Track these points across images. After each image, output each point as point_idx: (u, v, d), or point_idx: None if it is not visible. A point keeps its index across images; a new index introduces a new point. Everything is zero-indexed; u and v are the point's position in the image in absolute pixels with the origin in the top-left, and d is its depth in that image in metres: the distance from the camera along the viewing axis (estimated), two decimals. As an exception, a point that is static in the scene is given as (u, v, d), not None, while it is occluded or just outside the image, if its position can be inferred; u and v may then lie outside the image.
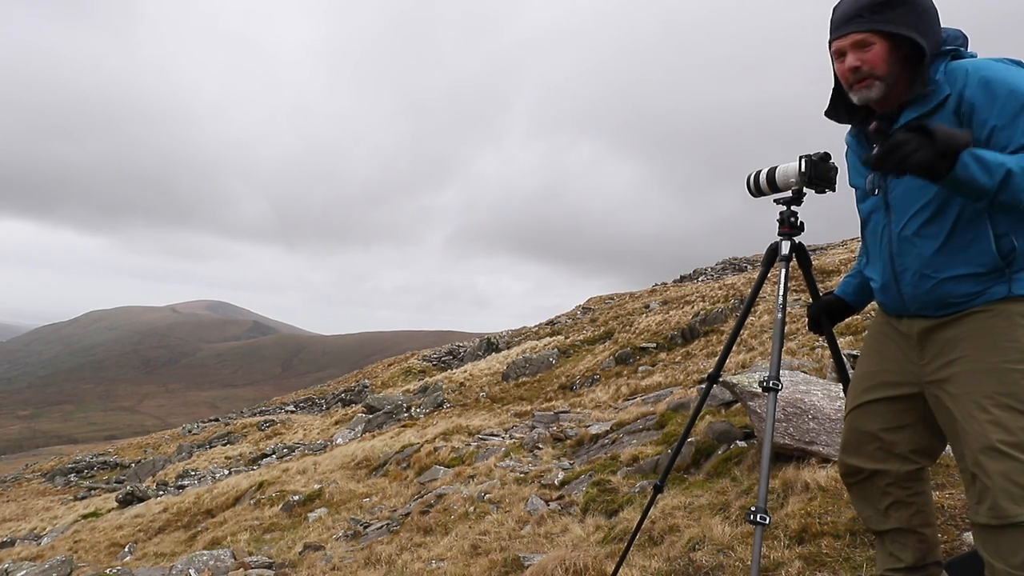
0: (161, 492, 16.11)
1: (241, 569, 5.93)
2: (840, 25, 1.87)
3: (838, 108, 2.04)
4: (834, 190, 2.27)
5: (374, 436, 15.53)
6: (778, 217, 2.32)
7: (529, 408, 14.73)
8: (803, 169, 2.23)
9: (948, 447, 1.98)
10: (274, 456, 19.53)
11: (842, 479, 2.19)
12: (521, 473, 7.02)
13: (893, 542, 2.06)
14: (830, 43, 1.92)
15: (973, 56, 1.87)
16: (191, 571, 6.04)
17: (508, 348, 32.18)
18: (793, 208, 2.31)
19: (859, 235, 2.15)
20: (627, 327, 25.15)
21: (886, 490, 2.04)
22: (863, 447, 2.06)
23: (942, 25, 1.87)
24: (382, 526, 6.57)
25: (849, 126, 2.09)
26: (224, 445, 27.02)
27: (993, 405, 1.72)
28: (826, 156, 2.24)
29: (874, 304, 2.17)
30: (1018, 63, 1.77)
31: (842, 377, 2.52)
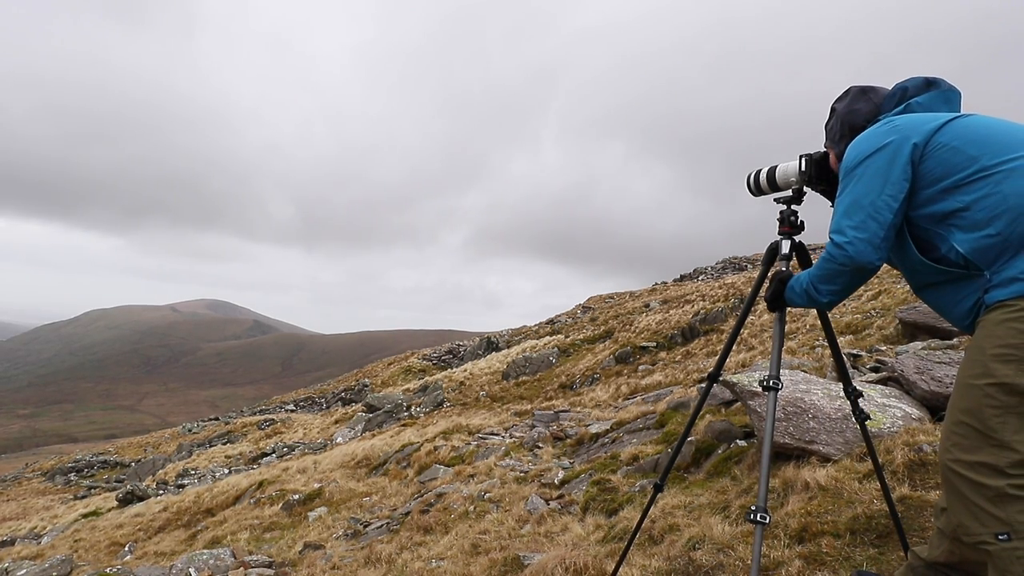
0: (161, 491, 16.11)
1: (241, 568, 5.93)
2: None
3: None
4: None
5: (374, 435, 15.53)
6: (778, 216, 2.33)
7: (529, 407, 14.73)
8: (803, 168, 2.23)
9: None
10: (274, 455, 19.53)
11: None
12: (521, 472, 7.01)
13: (937, 535, 2.06)
14: None
15: (902, 114, 1.99)
16: (191, 570, 6.04)
17: (508, 347, 32.19)
18: (793, 207, 2.32)
19: None
20: (627, 326, 25.16)
21: None
22: None
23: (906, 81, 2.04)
24: (382, 525, 6.57)
25: None
26: (224, 444, 27.03)
27: (951, 421, 1.76)
28: (826, 155, 2.24)
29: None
30: (889, 121, 1.92)
31: (842, 375, 2.51)
